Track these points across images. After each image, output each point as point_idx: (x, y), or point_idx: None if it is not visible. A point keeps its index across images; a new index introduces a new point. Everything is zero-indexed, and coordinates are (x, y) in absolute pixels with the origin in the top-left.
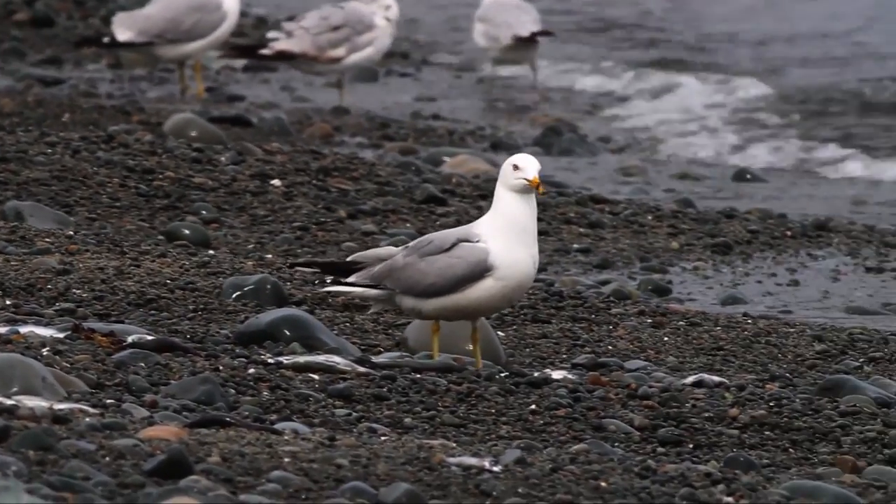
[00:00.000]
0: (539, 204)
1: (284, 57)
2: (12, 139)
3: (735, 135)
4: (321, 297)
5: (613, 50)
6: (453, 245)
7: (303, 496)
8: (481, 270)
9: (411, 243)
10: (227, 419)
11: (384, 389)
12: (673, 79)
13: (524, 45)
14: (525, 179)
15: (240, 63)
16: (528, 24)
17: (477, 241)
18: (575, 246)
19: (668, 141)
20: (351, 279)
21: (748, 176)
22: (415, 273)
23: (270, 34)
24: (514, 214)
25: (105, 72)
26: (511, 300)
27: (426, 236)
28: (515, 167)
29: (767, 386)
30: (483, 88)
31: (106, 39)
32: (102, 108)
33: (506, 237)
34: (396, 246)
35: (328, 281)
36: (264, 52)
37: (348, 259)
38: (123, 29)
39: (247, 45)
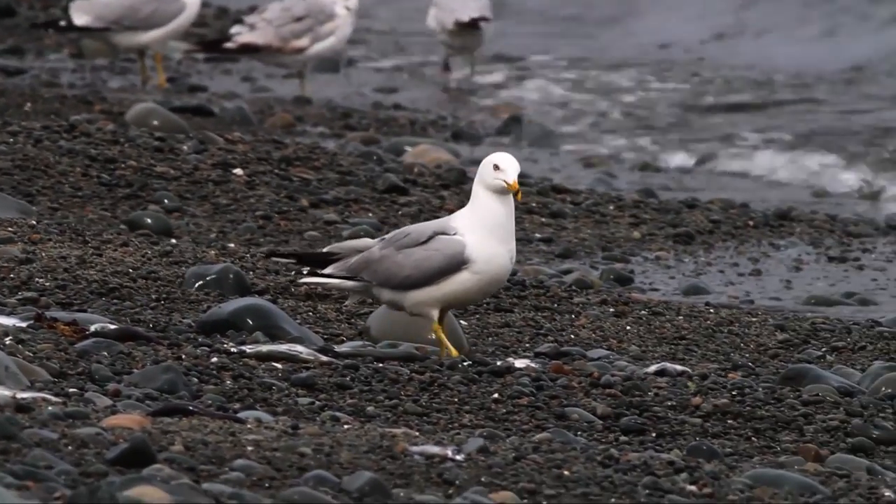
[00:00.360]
0: None
1: (249, 49)
2: None
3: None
4: (284, 286)
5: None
6: (430, 238)
7: (266, 485)
8: (458, 263)
9: (387, 235)
10: (190, 408)
11: (347, 378)
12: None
13: (468, 31)
14: (504, 182)
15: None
16: (471, 9)
17: (454, 234)
18: (537, 235)
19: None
20: (327, 270)
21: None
22: (391, 265)
23: (233, 28)
24: (491, 209)
25: (67, 61)
26: (487, 293)
27: (403, 228)
28: (496, 167)
29: (730, 375)
30: (443, 79)
31: (62, 23)
32: (64, 98)
33: (483, 231)
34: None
35: (304, 272)
36: (228, 45)
37: (324, 250)
38: (81, 14)
39: (211, 39)
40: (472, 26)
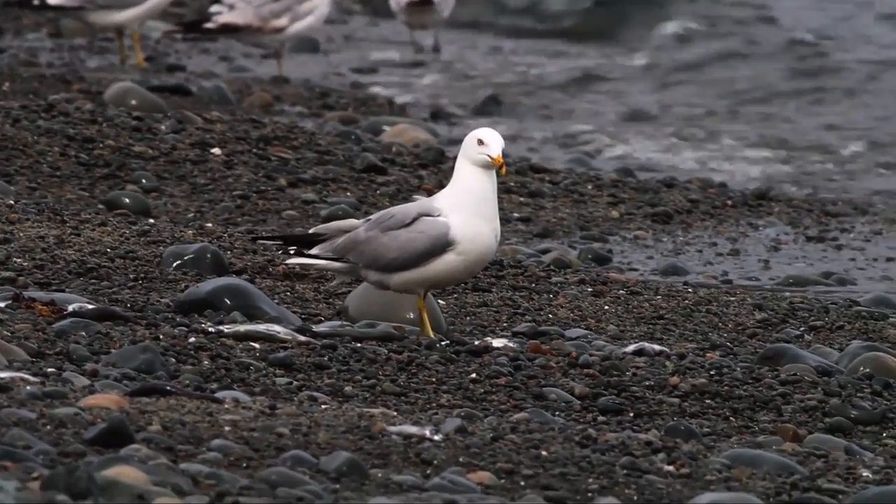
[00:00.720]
0: None
1: (229, 30)
2: None
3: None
4: (262, 265)
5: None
6: (414, 219)
7: (243, 465)
8: (442, 245)
9: (373, 217)
10: (168, 388)
11: (325, 358)
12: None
13: (422, 9)
14: (488, 156)
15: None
16: None
17: (438, 216)
18: (515, 215)
19: None
20: (314, 251)
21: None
22: (378, 247)
23: (213, 8)
24: (474, 188)
25: (45, 41)
26: (473, 272)
27: (388, 210)
28: (480, 142)
29: (708, 355)
30: (422, 58)
31: (36, 2)
32: (43, 77)
33: (466, 211)
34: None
35: (291, 252)
36: (208, 25)
37: (311, 231)
38: None
39: (191, 20)
40: (424, 3)
